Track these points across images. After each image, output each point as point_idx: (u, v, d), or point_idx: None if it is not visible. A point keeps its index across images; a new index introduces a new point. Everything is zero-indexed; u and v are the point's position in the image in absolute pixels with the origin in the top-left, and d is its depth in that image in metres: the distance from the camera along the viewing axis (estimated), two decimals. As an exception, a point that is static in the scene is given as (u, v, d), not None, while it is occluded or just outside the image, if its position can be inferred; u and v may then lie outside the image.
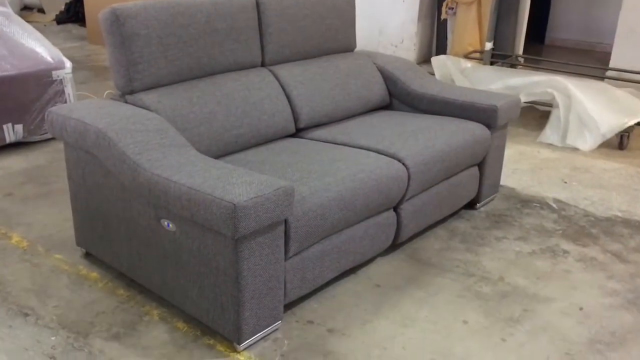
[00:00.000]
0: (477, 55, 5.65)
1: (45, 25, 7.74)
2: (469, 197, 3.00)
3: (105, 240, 2.38)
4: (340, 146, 2.62)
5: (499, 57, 5.61)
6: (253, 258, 1.92)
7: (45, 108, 3.77)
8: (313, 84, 2.90)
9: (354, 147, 2.63)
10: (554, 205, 3.16)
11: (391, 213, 2.52)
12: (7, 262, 2.53)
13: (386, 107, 3.29)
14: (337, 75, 3.02)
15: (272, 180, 1.94)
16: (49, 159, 3.59)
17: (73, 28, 7.56)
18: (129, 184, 2.09)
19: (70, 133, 2.28)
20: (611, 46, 5.31)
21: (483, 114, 2.92)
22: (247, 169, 2.32)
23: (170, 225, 2.05)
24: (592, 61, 6.41)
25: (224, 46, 2.62)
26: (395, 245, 2.66)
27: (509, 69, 4.81)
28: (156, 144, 2.13)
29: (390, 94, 3.25)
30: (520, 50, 5.93)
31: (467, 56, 5.53)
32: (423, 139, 2.66)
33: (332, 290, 2.37)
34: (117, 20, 2.31)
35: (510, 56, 5.70)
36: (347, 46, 3.23)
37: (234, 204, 1.78)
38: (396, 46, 6.32)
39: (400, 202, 2.54)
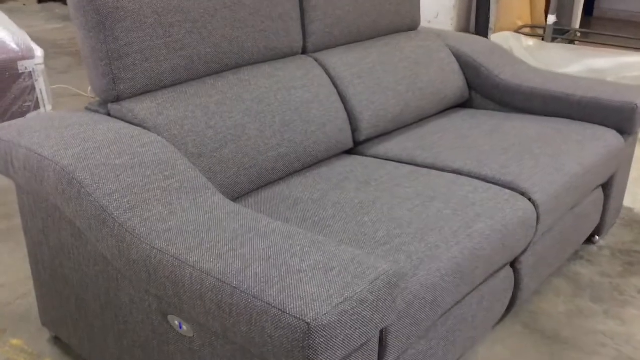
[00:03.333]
0: (528, 30, 4.80)
1: (24, 5, 6.84)
2: (590, 230, 2.17)
3: (81, 328, 1.56)
4: (426, 170, 1.78)
5: (557, 32, 4.75)
6: (332, 397, 1.09)
7: (11, 109, 2.92)
8: (374, 76, 2.06)
9: (446, 171, 1.80)
10: (696, 234, 2.34)
11: (508, 271, 1.69)
12: (-59, 351, 1.71)
13: (464, 104, 2.45)
14: (404, 64, 2.18)
15: (365, 259, 1.11)
16: (15, 178, 2.75)
17: (56, 7, 6.66)
18: (113, 257, 1.26)
19: (19, 170, 1.44)
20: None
21: (615, 115, 2.08)
22: (302, 218, 1.48)
23: (184, 326, 1.22)
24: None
25: (251, 26, 1.77)
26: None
27: (592, 48, 3.95)
28: (157, 189, 1.30)
29: (469, 86, 2.40)
30: (578, 24, 5.06)
31: (517, 33, 4.67)
32: (545, 158, 1.83)
33: (431, 399, 1.55)
34: (89, -12, 1.46)
35: (569, 31, 4.84)
36: (411, 23, 2.38)
37: (307, 324, 0.96)
38: (429, 22, 5.44)
39: (522, 253, 1.72)
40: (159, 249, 1.16)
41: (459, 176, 1.73)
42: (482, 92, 2.37)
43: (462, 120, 2.20)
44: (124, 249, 1.21)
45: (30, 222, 1.58)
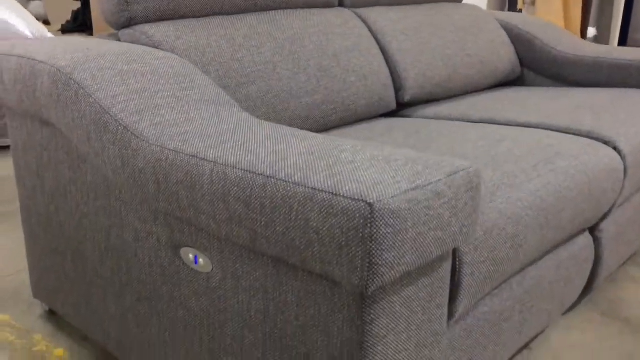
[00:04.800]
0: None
1: (48, 36, 6.82)
2: (669, 215, 1.88)
3: (77, 291, 1.30)
4: (487, 125, 1.53)
5: (595, 51, 4.55)
6: (393, 335, 0.82)
7: (22, 102, 2.74)
8: (419, 36, 1.83)
9: (511, 125, 1.55)
10: None
11: (587, 238, 1.41)
12: None
13: (515, 82, 2.21)
14: (451, 29, 1.96)
15: (435, 157, 0.86)
16: (21, 169, 2.54)
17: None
18: (116, 172, 1.02)
19: (9, 85, 1.21)
20: None
21: (695, 80, 1.83)
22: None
23: (200, 259, 0.96)
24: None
25: (285, -38, 1.57)
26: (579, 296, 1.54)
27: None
28: (171, 97, 1.06)
29: (521, 63, 2.17)
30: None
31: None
32: (623, 114, 1.57)
33: (502, 384, 1.26)
34: None
35: (607, 51, 4.63)
36: (456, -7, 2.18)
37: (370, 205, 0.70)
38: (460, 46, 5.28)
39: (604, 216, 1.44)
40: (172, 149, 0.92)
41: (527, 128, 1.48)
42: (536, 67, 2.14)
43: (516, 93, 1.96)
44: (129, 156, 0.97)
45: (23, 167, 1.35)
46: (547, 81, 2.12)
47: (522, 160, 1.18)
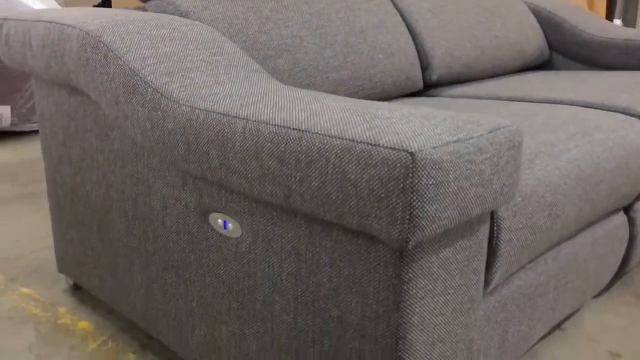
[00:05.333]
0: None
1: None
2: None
3: (103, 263, 1.29)
4: (518, 102, 1.50)
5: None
6: (431, 297, 0.79)
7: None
8: (446, 14, 1.80)
9: (542, 102, 1.52)
10: None
11: (622, 217, 1.37)
12: (-60, 300, 1.45)
13: (543, 66, 2.17)
14: (477, 9, 1.92)
15: (474, 115, 0.83)
16: (44, 153, 2.54)
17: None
18: (145, 135, 1.00)
19: (37, 51, 1.20)
20: None
21: None
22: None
23: (230, 224, 0.94)
24: None
25: (313, -64, 1.54)
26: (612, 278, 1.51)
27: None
28: (201, 61, 1.04)
29: (549, 46, 2.13)
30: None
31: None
32: (659, 91, 1.53)
33: (534, 363, 1.23)
34: None
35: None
36: (483, -24, 2.14)
37: (411, 154, 0.67)
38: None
39: (638, 198, 1.40)
40: (203, 108, 0.90)
41: (560, 105, 1.44)
42: (565, 50, 2.10)
43: (546, 75, 1.92)
44: (159, 118, 0.95)
45: (50, 137, 1.34)
46: (577, 65, 2.08)
47: (558, 130, 1.15)
